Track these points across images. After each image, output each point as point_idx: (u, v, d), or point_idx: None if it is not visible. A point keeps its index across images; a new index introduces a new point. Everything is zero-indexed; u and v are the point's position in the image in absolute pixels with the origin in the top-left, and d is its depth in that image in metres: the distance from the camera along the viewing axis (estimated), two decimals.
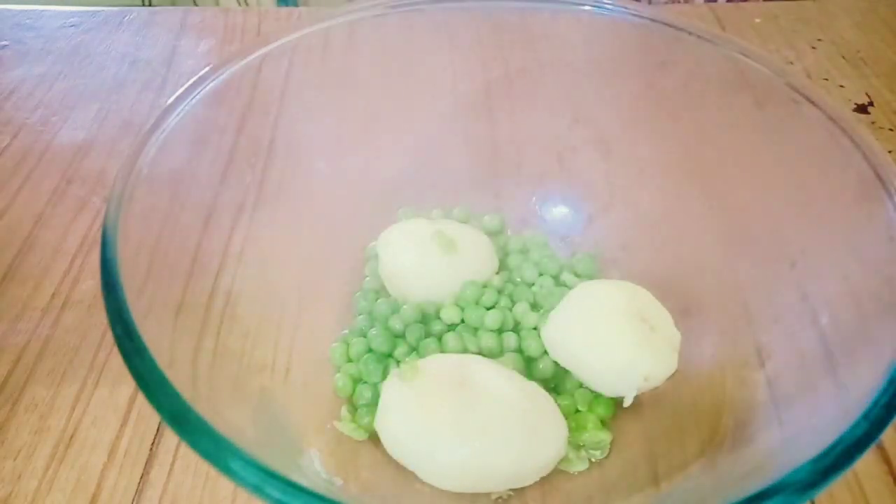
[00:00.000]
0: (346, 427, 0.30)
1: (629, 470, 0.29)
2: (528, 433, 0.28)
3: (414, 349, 0.33)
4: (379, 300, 0.34)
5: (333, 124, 0.37)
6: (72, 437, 0.33)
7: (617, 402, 0.31)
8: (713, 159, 0.34)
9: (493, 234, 0.38)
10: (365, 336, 0.33)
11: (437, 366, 0.29)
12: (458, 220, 0.39)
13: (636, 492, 0.28)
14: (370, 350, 0.33)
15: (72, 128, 0.50)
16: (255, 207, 0.33)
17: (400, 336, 0.33)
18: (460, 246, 0.35)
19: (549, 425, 0.29)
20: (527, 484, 0.28)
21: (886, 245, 0.25)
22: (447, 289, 0.34)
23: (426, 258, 0.34)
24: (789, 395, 0.26)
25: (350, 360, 0.33)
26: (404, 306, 0.34)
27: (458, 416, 0.27)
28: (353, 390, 0.32)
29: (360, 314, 0.35)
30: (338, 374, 0.32)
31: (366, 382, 0.32)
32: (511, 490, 0.28)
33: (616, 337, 0.30)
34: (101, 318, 0.37)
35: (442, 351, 0.32)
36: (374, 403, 0.30)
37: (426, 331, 0.33)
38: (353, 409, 0.31)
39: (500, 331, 0.33)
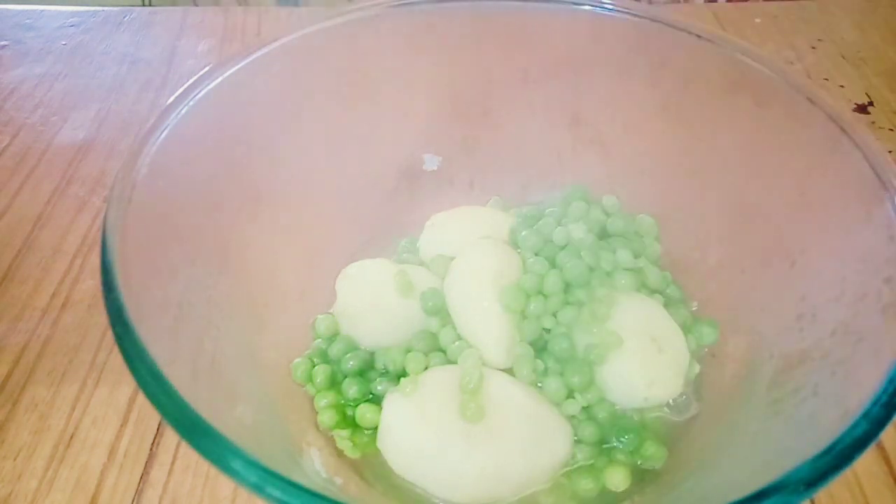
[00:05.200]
0: (343, 444, 0.30)
1: (629, 469, 0.29)
2: (535, 435, 0.28)
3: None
4: (336, 341, 0.32)
5: (333, 124, 0.37)
6: (72, 437, 0.33)
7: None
8: (713, 159, 0.34)
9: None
10: (328, 363, 0.32)
11: (437, 378, 0.29)
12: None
13: (637, 491, 0.28)
14: (343, 375, 0.31)
15: (72, 128, 0.50)
16: (255, 207, 0.33)
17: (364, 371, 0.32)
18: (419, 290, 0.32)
19: (555, 426, 0.29)
20: (537, 489, 0.28)
21: (886, 245, 0.25)
22: (398, 335, 0.32)
23: (381, 299, 0.32)
24: (790, 394, 0.26)
25: (320, 390, 0.31)
26: (354, 351, 0.32)
27: (465, 425, 0.27)
28: (342, 417, 0.30)
29: (317, 338, 0.33)
30: (318, 410, 0.30)
31: (349, 404, 0.31)
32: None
33: (620, 356, 0.30)
34: (101, 318, 0.37)
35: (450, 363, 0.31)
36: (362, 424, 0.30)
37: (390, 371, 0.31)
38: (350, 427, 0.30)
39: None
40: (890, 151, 0.30)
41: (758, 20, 0.60)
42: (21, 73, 0.55)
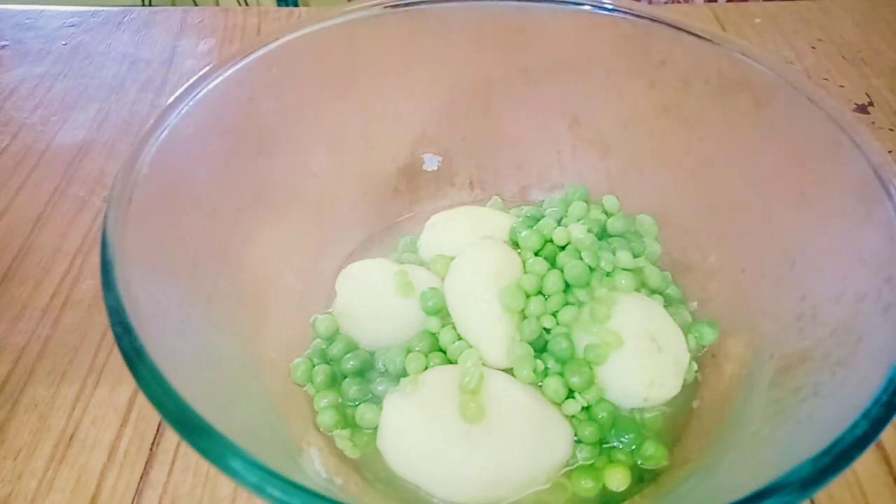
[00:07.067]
0: (343, 444, 0.30)
1: (629, 469, 0.29)
2: (535, 435, 0.28)
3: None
4: (336, 340, 0.32)
5: (333, 124, 0.37)
6: (72, 437, 0.33)
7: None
8: (713, 159, 0.34)
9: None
10: (328, 363, 0.32)
11: (437, 378, 0.29)
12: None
13: (637, 491, 0.28)
14: (343, 375, 0.31)
15: (72, 128, 0.50)
16: (255, 207, 0.33)
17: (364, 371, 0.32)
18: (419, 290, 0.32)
19: (555, 426, 0.29)
20: (537, 489, 0.28)
21: (886, 245, 0.25)
22: (398, 335, 0.32)
23: (381, 299, 0.32)
24: (790, 394, 0.26)
25: (319, 390, 0.31)
26: (354, 351, 0.32)
27: (465, 425, 0.27)
28: (343, 417, 0.30)
29: (317, 338, 0.33)
30: (318, 410, 0.30)
31: (349, 404, 0.31)
32: None
33: (619, 356, 0.30)
34: (101, 318, 0.37)
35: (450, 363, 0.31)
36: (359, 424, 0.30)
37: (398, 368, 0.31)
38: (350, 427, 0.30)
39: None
40: (890, 151, 0.30)
41: (758, 20, 0.60)
42: (21, 73, 0.55)
